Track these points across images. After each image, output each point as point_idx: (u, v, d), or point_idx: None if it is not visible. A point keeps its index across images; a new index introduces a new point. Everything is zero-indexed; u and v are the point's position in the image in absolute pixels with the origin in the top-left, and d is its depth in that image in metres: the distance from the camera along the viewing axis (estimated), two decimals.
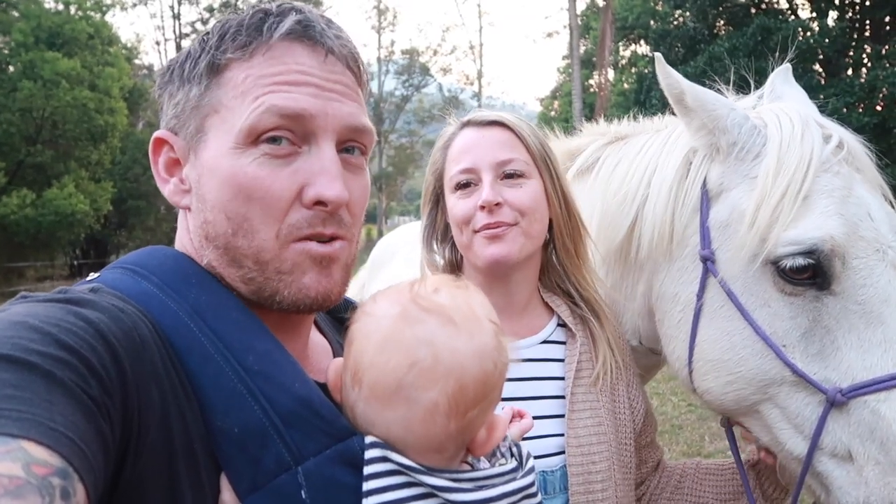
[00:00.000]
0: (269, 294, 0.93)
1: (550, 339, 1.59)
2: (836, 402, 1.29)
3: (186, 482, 0.80)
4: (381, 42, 48.35)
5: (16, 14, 24.58)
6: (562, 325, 1.61)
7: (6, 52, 24.52)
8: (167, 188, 1.00)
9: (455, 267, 1.67)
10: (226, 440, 0.83)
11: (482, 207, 1.48)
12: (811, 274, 1.35)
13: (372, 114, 45.58)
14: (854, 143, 1.46)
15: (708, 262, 1.47)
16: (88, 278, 0.94)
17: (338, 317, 1.21)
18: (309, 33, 0.95)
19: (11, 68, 23.95)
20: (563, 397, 1.51)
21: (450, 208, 1.57)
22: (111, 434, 0.70)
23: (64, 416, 0.64)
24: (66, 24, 24.23)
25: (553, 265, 1.65)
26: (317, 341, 1.12)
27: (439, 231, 1.69)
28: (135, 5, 36.29)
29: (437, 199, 1.68)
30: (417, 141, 47.44)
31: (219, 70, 0.95)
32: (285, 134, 0.92)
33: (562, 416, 1.49)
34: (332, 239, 0.96)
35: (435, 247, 1.70)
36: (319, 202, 0.92)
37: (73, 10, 25.85)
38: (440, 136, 1.67)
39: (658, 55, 1.54)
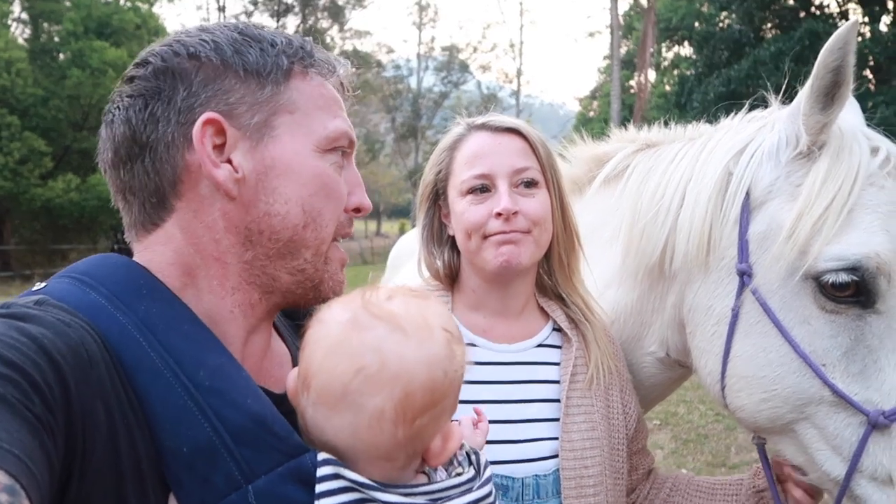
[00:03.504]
0: (315, 283, 1.03)
1: (546, 342, 1.58)
2: (879, 424, 1.25)
3: (134, 502, 0.78)
4: (421, 38, 48.55)
5: (67, 3, 25.26)
6: (557, 329, 1.60)
7: (56, 40, 25.24)
8: (219, 172, 0.93)
9: (453, 270, 1.65)
10: (175, 460, 0.81)
11: (498, 215, 1.46)
12: (854, 291, 1.30)
13: (410, 109, 46.10)
14: None
15: (745, 275, 1.42)
16: (35, 288, 0.91)
17: (298, 323, 1.19)
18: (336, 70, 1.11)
19: (61, 56, 24.67)
20: (557, 401, 1.49)
21: (458, 213, 1.54)
22: (55, 451, 0.68)
23: (9, 433, 0.62)
24: (114, 15, 24.83)
25: (548, 272, 1.64)
26: (276, 349, 1.11)
27: (436, 232, 1.67)
28: None
29: (435, 199, 1.66)
30: None
31: (289, 76, 1.01)
32: (345, 150, 1.07)
33: (556, 419, 1.48)
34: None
35: (433, 249, 1.67)
36: (358, 209, 1.08)
37: (121, 0, 26.45)
38: (446, 136, 1.65)
39: (855, 20, 1.35)
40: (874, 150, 1.38)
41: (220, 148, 0.95)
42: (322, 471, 0.84)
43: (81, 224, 24.60)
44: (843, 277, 1.29)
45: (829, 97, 1.35)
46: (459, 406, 1.39)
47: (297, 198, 0.98)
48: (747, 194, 1.46)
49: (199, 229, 0.95)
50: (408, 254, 3.36)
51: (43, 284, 0.91)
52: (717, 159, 1.53)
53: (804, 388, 1.34)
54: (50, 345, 0.73)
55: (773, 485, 1.52)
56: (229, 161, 0.95)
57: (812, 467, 1.39)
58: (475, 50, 49.33)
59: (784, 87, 1.59)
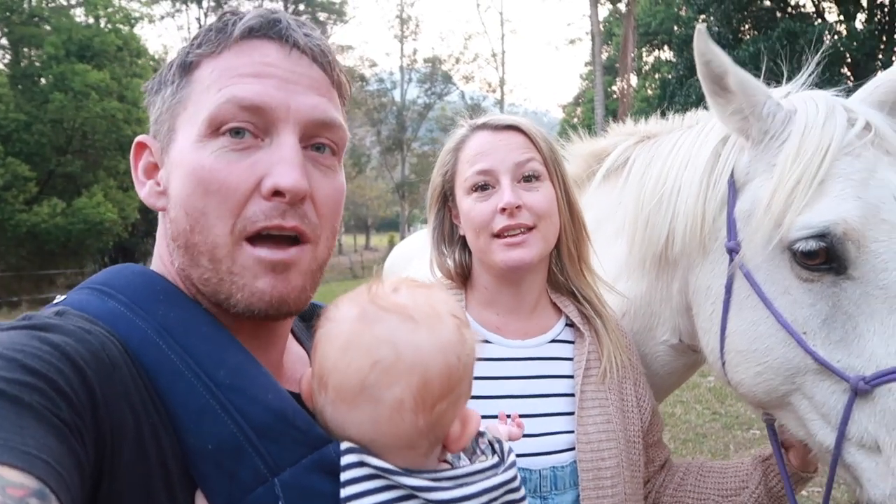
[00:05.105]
0: (225, 296, 0.91)
1: (559, 338, 1.60)
2: (860, 390, 1.25)
3: (163, 500, 0.80)
4: (403, 51, 48.70)
5: (47, 28, 25.19)
6: (570, 324, 1.63)
7: (38, 64, 25.15)
8: (143, 191, 0.99)
9: (465, 269, 1.68)
10: (200, 457, 0.82)
11: (503, 210, 1.49)
12: (825, 259, 1.32)
13: (395, 122, 46.16)
14: (883, 126, 1.41)
15: (733, 253, 1.46)
16: (55, 301, 0.93)
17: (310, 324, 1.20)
18: (275, 29, 0.95)
19: (43, 80, 24.56)
20: (572, 395, 1.52)
21: (465, 211, 1.57)
22: (85, 455, 0.70)
23: (36, 440, 0.64)
24: (95, 37, 24.76)
25: (559, 268, 1.66)
26: (294, 352, 1.12)
27: (446, 233, 1.70)
28: (162, 18, 37.06)
29: (444, 201, 1.69)
30: (440, 148, 47.37)
31: (190, 69, 0.96)
32: (247, 126, 0.91)
33: (571, 413, 1.50)
34: (293, 240, 0.93)
35: (444, 249, 1.71)
36: (277, 192, 0.89)
37: (102, 23, 26.41)
38: (450, 138, 1.68)
39: (701, 27, 1.47)
40: (851, 122, 1.40)
41: (156, 166, 0.99)
42: (346, 459, 0.85)
43: (68, 248, 24.42)
44: (812, 245, 1.31)
45: (722, 88, 1.46)
46: (476, 402, 1.41)
47: (178, 199, 0.92)
48: (732, 174, 1.51)
49: (162, 241, 1.00)
50: (404, 262, 3.38)
51: (63, 297, 0.93)
52: (709, 142, 1.58)
53: (790, 357, 1.36)
54: (73, 351, 0.75)
55: (782, 463, 1.54)
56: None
57: (810, 439, 1.40)
58: (458, 61, 49.52)
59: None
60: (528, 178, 1.53)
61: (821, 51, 1.58)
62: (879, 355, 1.25)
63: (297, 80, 0.95)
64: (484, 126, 1.61)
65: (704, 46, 1.46)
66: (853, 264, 1.30)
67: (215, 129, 0.91)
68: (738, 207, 1.48)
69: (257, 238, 0.91)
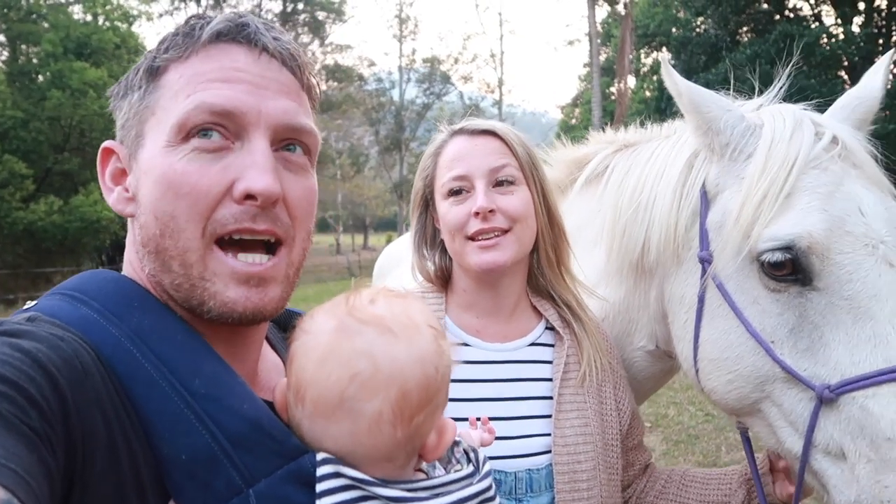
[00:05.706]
0: (197, 302, 0.91)
1: (539, 341, 1.62)
2: (825, 398, 1.28)
3: None
4: (402, 51, 48.60)
5: (45, 25, 25.16)
6: (550, 328, 1.64)
7: (35, 62, 25.11)
8: (111, 197, 0.99)
9: (445, 272, 1.70)
10: (174, 467, 0.81)
11: (476, 214, 1.51)
12: (791, 270, 1.35)
13: (393, 122, 46.07)
14: (851, 139, 1.44)
15: (705, 263, 1.49)
16: (25, 307, 0.91)
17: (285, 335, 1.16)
18: (244, 33, 0.95)
19: (40, 78, 24.53)
20: (550, 398, 1.53)
21: (442, 215, 1.60)
22: (55, 464, 0.69)
23: (5, 449, 0.63)
24: (93, 35, 24.74)
25: (539, 271, 1.68)
26: (270, 359, 1.11)
27: (428, 236, 1.72)
28: (161, 16, 36.95)
29: (427, 205, 1.71)
30: None
31: (157, 74, 0.95)
32: (217, 129, 0.91)
33: (549, 416, 1.51)
34: (268, 245, 0.94)
35: (425, 252, 1.73)
36: (249, 196, 0.90)
37: (100, 20, 26.40)
38: (430, 143, 1.71)
39: (663, 57, 1.61)
40: (818, 135, 1.44)
41: (124, 172, 0.98)
42: (322, 470, 0.85)
43: (65, 246, 24.37)
44: (778, 256, 1.35)
45: (684, 109, 1.56)
46: (454, 405, 1.42)
47: (148, 204, 0.91)
48: (704, 185, 1.55)
49: (131, 247, 0.98)
50: (394, 262, 3.39)
51: (34, 303, 0.91)
52: (683, 153, 1.62)
53: (759, 365, 1.39)
54: (45, 358, 0.74)
55: (756, 469, 1.56)
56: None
57: (779, 446, 1.43)
58: (456, 61, 49.39)
59: (763, 86, 1.67)
60: (503, 183, 1.55)
61: (791, 63, 1.63)
62: (844, 364, 1.28)
63: (267, 85, 0.95)
64: (461, 131, 1.63)
65: (666, 71, 1.58)
66: (818, 276, 1.33)
67: (185, 134, 0.90)
68: (710, 218, 1.51)
69: (229, 243, 0.91)
